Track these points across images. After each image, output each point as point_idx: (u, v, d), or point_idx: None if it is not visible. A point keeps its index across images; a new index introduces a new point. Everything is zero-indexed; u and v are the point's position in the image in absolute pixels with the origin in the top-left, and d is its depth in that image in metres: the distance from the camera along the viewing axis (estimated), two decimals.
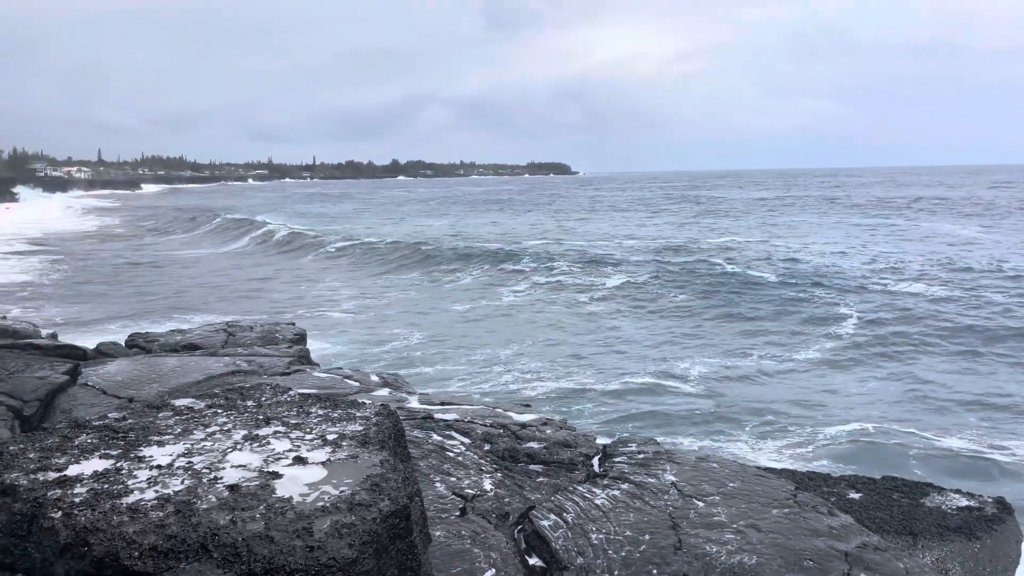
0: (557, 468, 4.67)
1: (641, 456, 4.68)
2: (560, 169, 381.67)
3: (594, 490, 4.26)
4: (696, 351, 16.53)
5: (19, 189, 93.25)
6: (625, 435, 5.25)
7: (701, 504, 4.06)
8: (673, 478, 4.35)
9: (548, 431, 5.21)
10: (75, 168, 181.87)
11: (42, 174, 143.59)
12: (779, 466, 6.55)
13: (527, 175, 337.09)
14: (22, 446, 2.48)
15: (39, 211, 70.28)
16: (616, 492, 4.21)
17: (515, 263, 30.56)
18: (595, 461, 4.82)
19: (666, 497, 4.14)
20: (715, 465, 4.60)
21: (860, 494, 5.09)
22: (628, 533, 3.78)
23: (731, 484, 4.33)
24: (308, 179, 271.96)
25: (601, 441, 5.19)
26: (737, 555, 3.54)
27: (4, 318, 11.38)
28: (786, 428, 11.63)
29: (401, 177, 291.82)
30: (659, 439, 5.18)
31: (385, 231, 45.96)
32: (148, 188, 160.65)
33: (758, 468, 5.00)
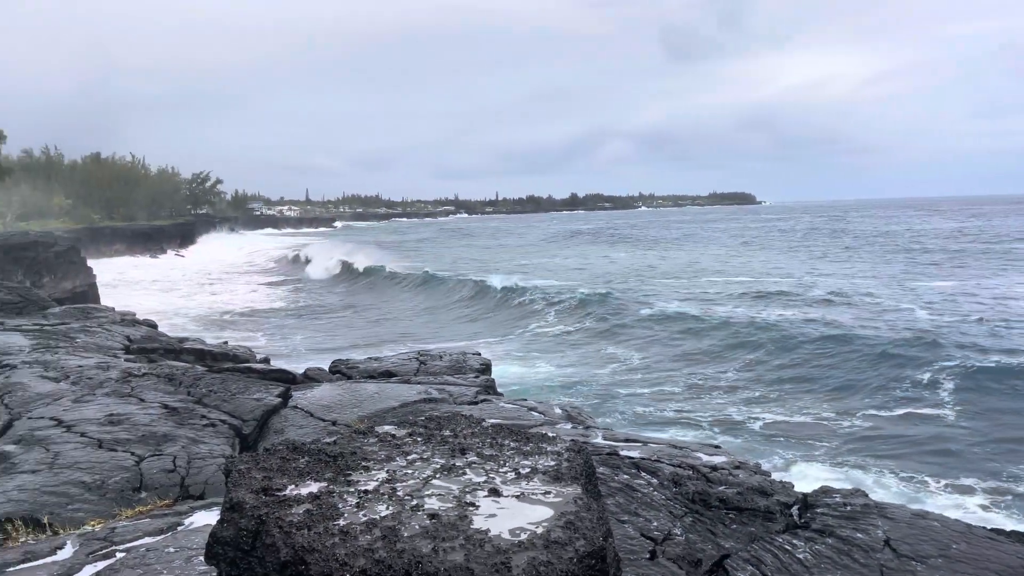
0: (752, 516, 4.41)
1: (848, 508, 4.32)
2: (744, 199, 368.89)
3: (795, 542, 3.98)
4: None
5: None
6: (827, 485, 4.87)
7: (920, 567, 3.67)
8: (886, 535, 3.97)
9: (741, 475, 4.94)
10: (286, 207, 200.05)
11: (258, 213, 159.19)
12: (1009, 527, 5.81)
13: (716, 206, 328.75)
14: (247, 465, 2.69)
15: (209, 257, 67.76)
16: (820, 546, 3.90)
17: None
18: (794, 511, 4.50)
19: (878, 555, 3.78)
20: (935, 523, 4.15)
21: None
22: None
23: (955, 546, 3.88)
24: (491, 213, 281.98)
25: (800, 489, 4.85)
26: None
27: (225, 343, 12.63)
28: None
29: (579, 211, 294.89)
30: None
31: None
32: (341, 224, 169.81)
33: (986, 529, 4.46)
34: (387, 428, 3.27)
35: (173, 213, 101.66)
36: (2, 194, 61.64)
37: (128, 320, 13.91)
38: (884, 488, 10.62)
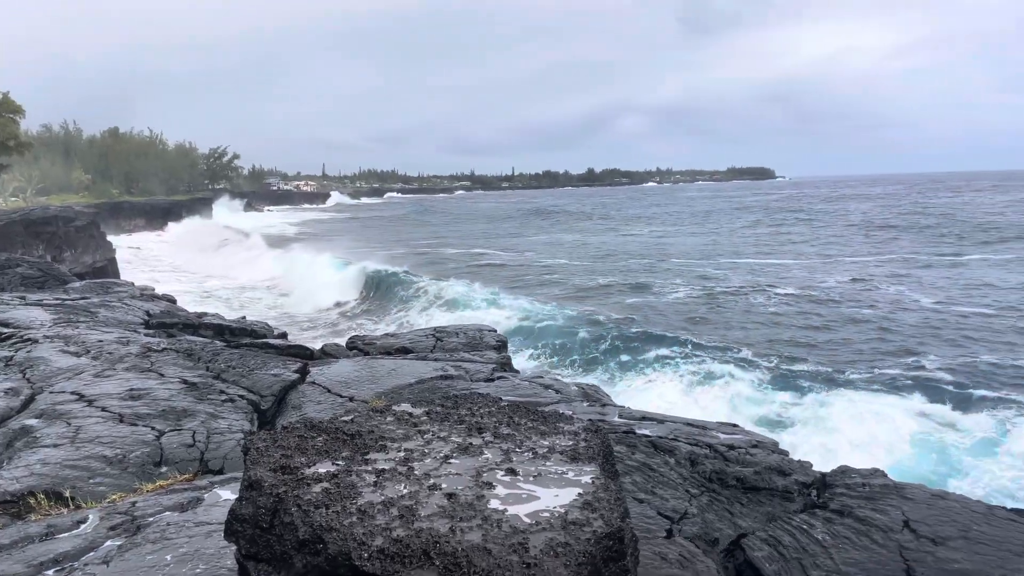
0: (770, 495, 4.39)
1: (866, 488, 4.29)
2: (762, 174, 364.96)
3: (812, 522, 3.96)
4: None
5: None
6: (846, 465, 4.84)
7: (940, 548, 3.64)
8: (905, 516, 3.94)
9: (758, 454, 4.92)
10: (303, 182, 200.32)
11: (275, 188, 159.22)
12: None
13: (734, 180, 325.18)
14: (265, 443, 2.70)
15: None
16: (838, 526, 3.87)
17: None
18: (813, 490, 4.48)
19: (897, 536, 3.75)
20: (955, 504, 4.11)
21: None
22: (853, 573, 3.46)
23: (976, 528, 3.84)
24: (507, 189, 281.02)
25: (819, 469, 4.82)
26: None
27: (244, 318, 12.71)
28: None
29: (596, 186, 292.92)
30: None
31: None
32: (339, 199, 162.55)
33: (1006, 509, 4.42)
34: (404, 406, 3.27)
35: (191, 188, 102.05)
36: (23, 169, 62.09)
37: (147, 295, 14.03)
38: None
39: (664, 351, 17.65)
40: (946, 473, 10.33)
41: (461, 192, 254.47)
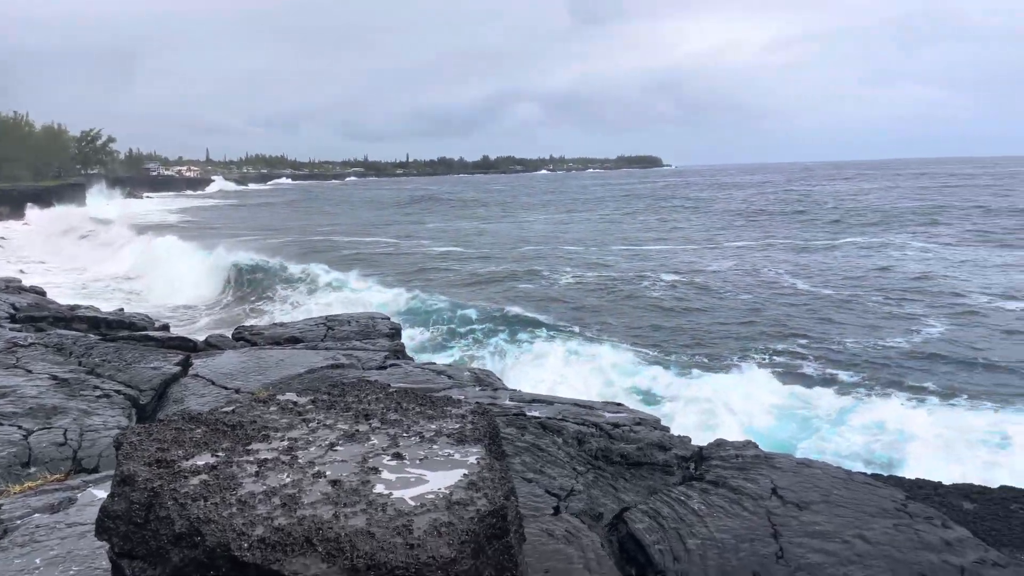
0: (651, 470, 4.60)
1: (739, 459, 4.55)
2: (651, 162, 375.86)
3: (690, 493, 4.17)
4: None
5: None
6: (722, 439, 5.12)
7: (804, 512, 3.91)
8: (774, 483, 4.21)
9: (641, 431, 5.13)
10: (185, 167, 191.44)
11: (155, 173, 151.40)
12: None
13: (624, 168, 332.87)
14: (140, 437, 2.61)
15: None
16: (713, 496, 4.10)
17: None
18: (691, 464, 4.72)
19: (766, 503, 4.01)
20: (818, 471, 4.43)
21: (975, 504, 4.82)
22: (726, 539, 3.68)
23: (836, 492, 4.15)
24: (401, 176, 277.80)
25: (697, 443, 5.07)
26: (844, 567, 3.39)
27: (122, 310, 12.09)
28: None
29: (492, 173, 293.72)
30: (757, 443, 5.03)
31: None
32: (223, 186, 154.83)
33: (864, 475, 4.79)
34: (289, 396, 3.23)
35: (62, 173, 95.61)
36: None
37: (13, 287, 13.12)
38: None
39: (553, 335, 18.04)
40: (809, 444, 11.08)
41: (353, 179, 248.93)
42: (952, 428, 11.13)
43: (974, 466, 9.66)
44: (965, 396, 13.17)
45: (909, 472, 7.73)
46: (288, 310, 22.91)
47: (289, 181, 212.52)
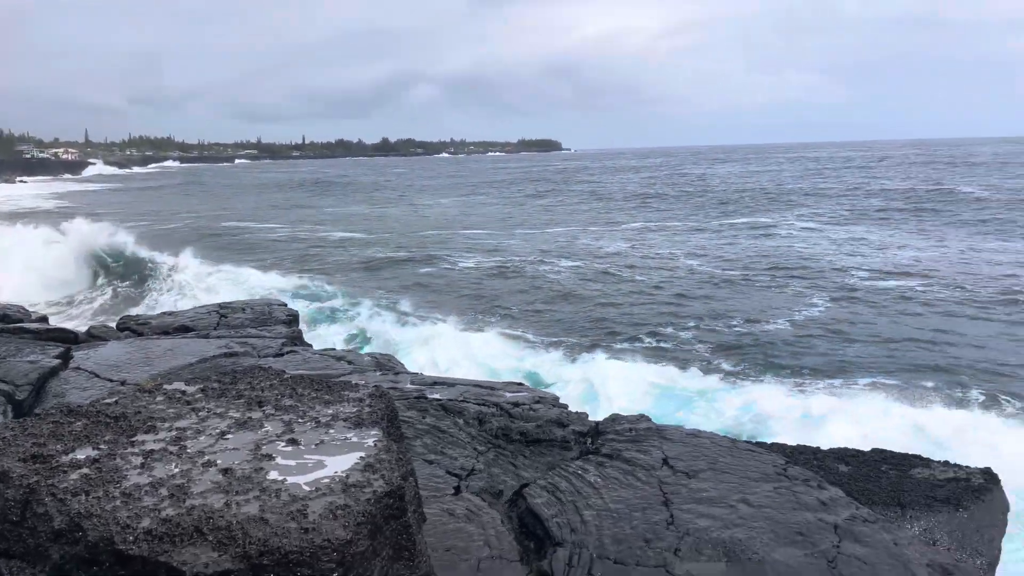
0: (550, 446, 4.70)
1: (632, 432, 4.72)
2: (550, 145, 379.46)
3: (586, 467, 4.30)
4: None
5: None
6: (617, 413, 5.28)
7: (693, 480, 4.10)
8: (664, 454, 4.39)
9: (540, 409, 5.23)
10: (62, 149, 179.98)
11: (28, 156, 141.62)
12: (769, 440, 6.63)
13: (524, 152, 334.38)
14: (14, 432, 2.48)
15: None
16: (609, 469, 4.24)
17: None
18: (588, 439, 4.85)
19: (658, 473, 4.18)
20: (706, 440, 4.64)
21: (849, 467, 5.15)
22: (620, 509, 3.82)
23: (722, 459, 4.37)
24: (298, 158, 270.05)
25: (594, 419, 5.22)
26: (728, 530, 3.58)
27: None
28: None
29: (392, 156, 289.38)
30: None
31: None
32: (101, 169, 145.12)
33: (749, 443, 5.05)
34: (177, 385, 3.13)
35: None
36: None
37: None
38: None
39: (445, 319, 18.10)
40: (690, 418, 11.55)
41: (243, 161, 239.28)
42: (817, 406, 11.72)
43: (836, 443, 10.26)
44: (835, 374, 13.96)
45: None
46: (175, 299, 21.98)
47: (176, 164, 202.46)
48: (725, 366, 14.50)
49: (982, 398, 12.51)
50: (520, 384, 6.24)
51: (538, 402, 5.42)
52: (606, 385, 12.86)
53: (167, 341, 7.41)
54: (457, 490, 4.07)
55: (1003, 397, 12.50)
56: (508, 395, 5.63)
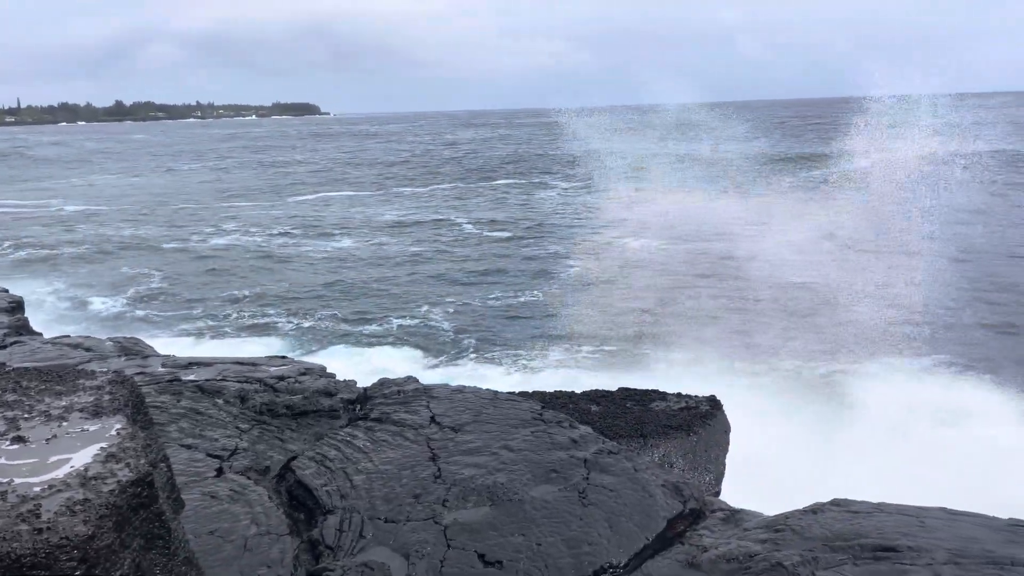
0: (317, 417, 4.67)
1: (401, 395, 4.82)
2: (308, 109, 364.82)
3: (355, 433, 4.33)
4: None
5: None
6: (386, 377, 5.35)
7: (459, 433, 4.29)
8: (432, 412, 4.54)
9: (307, 380, 5.15)
10: None
11: None
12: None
13: (281, 116, 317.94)
14: None
15: None
16: (378, 432, 4.31)
17: None
18: (357, 405, 4.87)
19: (426, 431, 4.32)
20: (470, 395, 4.86)
21: (599, 406, 5.65)
22: (390, 470, 3.90)
23: (485, 411, 4.60)
24: (12, 125, 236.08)
25: (363, 385, 5.24)
26: (492, 475, 3.81)
27: None
28: None
29: (128, 121, 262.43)
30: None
31: None
32: None
33: (509, 394, 5.35)
34: None
35: None
36: None
37: None
38: None
39: (211, 303, 17.14)
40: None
41: None
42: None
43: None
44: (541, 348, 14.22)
45: None
46: None
47: None
48: (446, 343, 14.60)
49: None
50: (284, 357, 6.08)
51: (304, 374, 5.33)
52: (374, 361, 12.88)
53: None
54: (219, 472, 3.92)
55: None
56: (272, 369, 5.47)
